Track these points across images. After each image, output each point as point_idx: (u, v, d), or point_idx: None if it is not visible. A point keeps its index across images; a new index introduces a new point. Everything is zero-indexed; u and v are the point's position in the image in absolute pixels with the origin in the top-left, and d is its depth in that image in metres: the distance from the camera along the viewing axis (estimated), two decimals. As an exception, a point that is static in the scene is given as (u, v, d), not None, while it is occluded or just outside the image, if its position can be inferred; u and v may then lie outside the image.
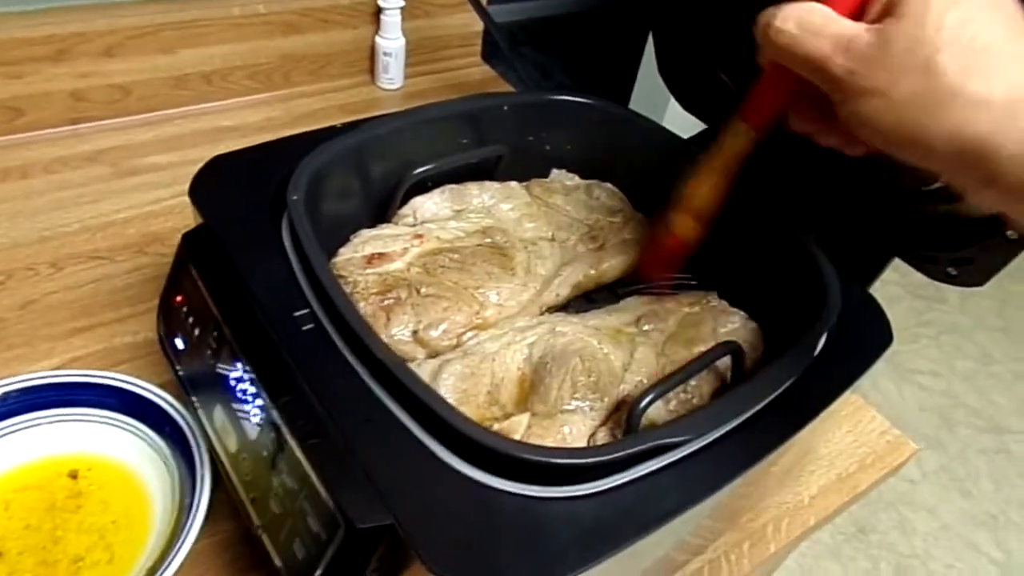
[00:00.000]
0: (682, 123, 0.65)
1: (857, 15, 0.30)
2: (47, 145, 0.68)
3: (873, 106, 0.28)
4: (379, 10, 0.80)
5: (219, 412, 0.40)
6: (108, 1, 0.68)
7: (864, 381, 0.42)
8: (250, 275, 0.40)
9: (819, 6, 0.30)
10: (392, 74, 0.84)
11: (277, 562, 0.35)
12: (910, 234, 0.56)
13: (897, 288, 2.01)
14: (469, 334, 0.46)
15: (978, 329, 1.98)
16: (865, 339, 0.45)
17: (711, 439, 0.37)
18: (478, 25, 0.91)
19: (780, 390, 0.39)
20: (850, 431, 0.56)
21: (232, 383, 0.39)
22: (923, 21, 0.27)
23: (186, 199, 0.66)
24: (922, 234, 0.54)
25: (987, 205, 0.28)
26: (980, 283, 0.52)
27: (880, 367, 0.42)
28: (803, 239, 0.48)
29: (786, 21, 0.30)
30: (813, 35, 0.29)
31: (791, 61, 0.30)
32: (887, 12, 0.28)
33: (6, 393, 0.44)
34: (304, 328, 0.39)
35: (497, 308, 0.48)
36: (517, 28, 2.88)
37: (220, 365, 0.40)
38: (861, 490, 0.53)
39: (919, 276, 0.57)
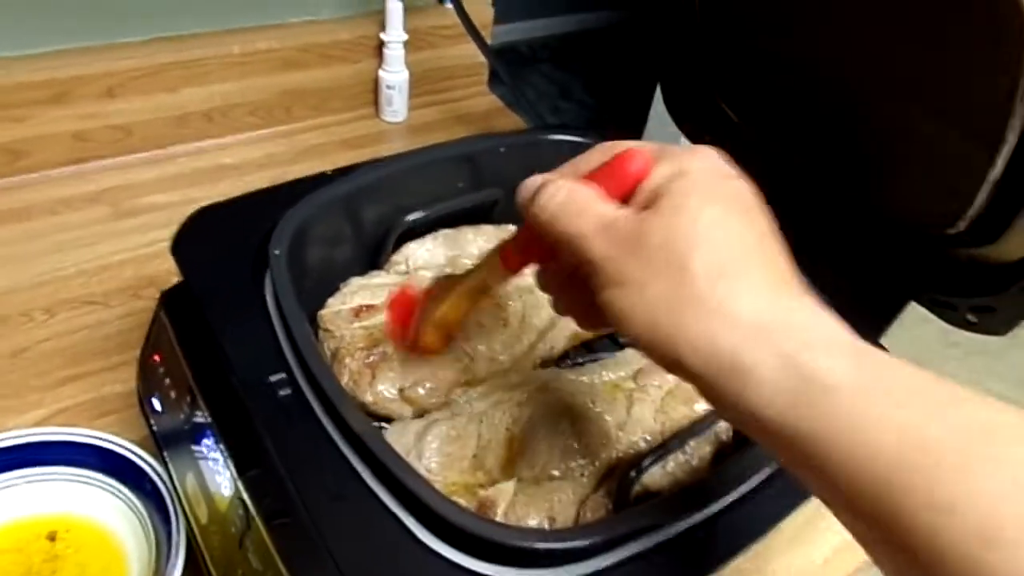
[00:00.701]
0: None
1: (625, 200, 0.28)
2: (50, 186, 0.68)
3: (627, 300, 0.26)
4: (382, 44, 0.79)
5: (191, 479, 0.39)
6: (109, 43, 0.68)
7: None
8: (226, 337, 0.39)
9: (586, 187, 0.29)
10: (396, 107, 0.83)
11: (244, 646, 0.34)
12: (929, 278, 0.53)
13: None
14: (458, 390, 0.45)
15: (1011, 348, 1.91)
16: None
17: (706, 515, 0.35)
18: (483, 55, 0.90)
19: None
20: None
21: (204, 451, 0.37)
22: (677, 218, 0.26)
23: (183, 240, 0.65)
24: (942, 278, 0.52)
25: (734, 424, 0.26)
26: (1002, 332, 0.49)
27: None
28: (812, 282, 0.45)
29: (556, 194, 0.29)
30: (576, 214, 0.28)
31: (551, 235, 0.29)
32: (649, 203, 0.27)
33: (-14, 453, 0.43)
34: (281, 394, 0.37)
35: (488, 361, 0.46)
36: (538, 45, 2.88)
37: (193, 430, 0.38)
38: (877, 550, 0.50)
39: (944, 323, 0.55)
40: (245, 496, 0.34)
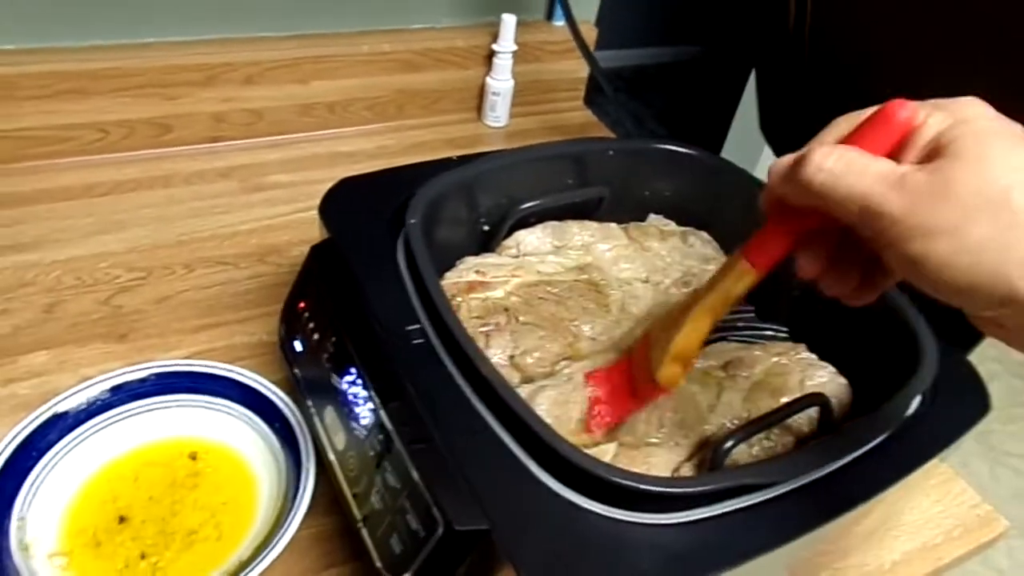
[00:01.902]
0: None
1: (892, 157, 0.29)
2: (188, 159, 0.75)
3: (942, 246, 0.26)
4: (492, 53, 0.85)
5: (330, 412, 0.44)
6: (253, 36, 0.76)
7: (955, 459, 0.40)
8: (368, 288, 0.44)
9: (853, 147, 0.28)
10: (499, 113, 0.89)
11: (374, 554, 0.38)
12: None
13: (995, 365, 1.91)
14: (562, 363, 0.49)
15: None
16: (960, 406, 0.44)
17: (796, 486, 0.38)
18: (583, 71, 0.95)
19: (868, 446, 0.40)
20: (938, 501, 0.55)
21: (345, 386, 0.42)
22: (987, 162, 0.26)
23: (302, 216, 0.72)
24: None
25: None
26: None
27: (973, 446, 0.41)
28: (899, 299, 0.48)
29: (826, 158, 0.28)
30: (858, 173, 0.28)
31: (831, 201, 0.29)
32: (936, 153, 0.27)
33: (147, 376, 0.49)
34: (414, 342, 0.42)
35: (590, 341, 0.50)
36: (613, 75, 2.94)
37: (335, 369, 0.43)
38: (945, 563, 0.52)
39: (1019, 354, 0.56)
40: (387, 423, 0.38)
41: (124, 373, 0.48)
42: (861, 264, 0.30)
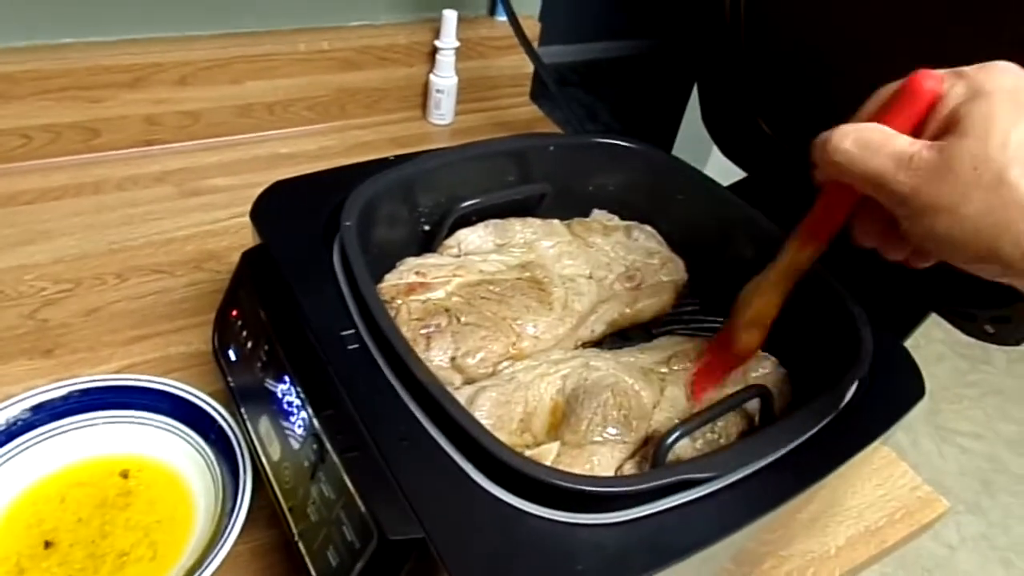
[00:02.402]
0: (723, 170, 0.67)
1: (914, 134, 0.30)
2: (120, 164, 0.73)
3: (942, 223, 0.28)
4: (435, 50, 0.84)
5: (264, 422, 0.42)
6: (185, 34, 0.73)
7: (904, 438, 0.42)
8: (302, 294, 0.43)
9: (876, 124, 0.30)
10: (443, 110, 0.88)
11: (311, 568, 0.37)
12: (948, 288, 0.56)
13: (941, 346, 1.96)
14: (505, 363, 0.48)
15: (1025, 392, 1.92)
16: (897, 391, 0.45)
17: (736, 478, 0.38)
18: (528, 67, 0.94)
19: (808, 435, 0.40)
20: (880, 484, 0.56)
21: (279, 395, 0.41)
22: (988, 138, 0.27)
23: (242, 220, 0.70)
24: (960, 289, 0.55)
25: None
26: (1018, 342, 0.52)
27: (921, 426, 0.42)
28: (836, 287, 0.48)
29: (843, 139, 0.30)
30: (872, 152, 0.29)
31: (851, 179, 0.31)
32: (947, 130, 0.28)
33: (69, 393, 0.47)
34: (349, 347, 0.41)
35: (533, 340, 0.50)
36: (566, 69, 2.94)
37: (269, 378, 0.42)
38: (889, 545, 0.53)
39: (965, 336, 0.57)
40: (320, 432, 0.37)
41: (44, 391, 0.46)
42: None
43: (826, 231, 0.37)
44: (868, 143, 0.30)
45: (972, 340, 0.57)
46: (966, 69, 0.30)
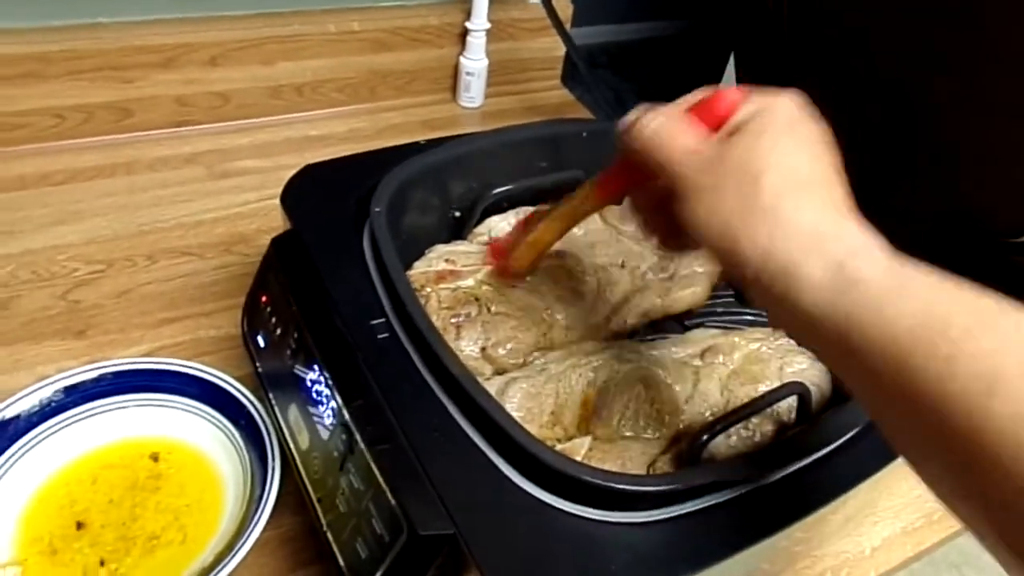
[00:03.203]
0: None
1: (716, 131, 0.33)
2: (151, 145, 0.73)
3: (704, 209, 0.30)
4: (466, 31, 0.83)
5: (293, 410, 0.42)
6: (216, 14, 0.73)
7: None
8: (332, 282, 0.42)
9: (680, 117, 0.33)
10: (473, 93, 0.87)
11: (339, 559, 0.37)
12: (995, 286, 0.54)
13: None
14: (536, 354, 0.47)
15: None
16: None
17: (772, 480, 0.37)
18: (560, 49, 0.93)
19: (846, 437, 0.39)
20: (917, 485, 0.54)
21: (308, 383, 0.40)
22: (757, 141, 0.30)
23: (272, 203, 0.69)
24: (1002, 284, 0.53)
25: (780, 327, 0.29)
26: None
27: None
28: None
29: (649, 123, 0.33)
30: (670, 139, 0.32)
31: (644, 158, 0.33)
32: (732, 132, 0.31)
33: (101, 375, 0.47)
34: (380, 336, 0.40)
35: (564, 330, 0.49)
36: (596, 51, 2.90)
37: (298, 365, 0.42)
38: (926, 547, 0.52)
39: None
40: (350, 423, 0.37)
41: (77, 373, 0.46)
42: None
43: (613, 192, 0.41)
44: (667, 131, 0.33)
45: None
46: (766, 90, 0.33)
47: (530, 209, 0.56)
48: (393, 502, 0.33)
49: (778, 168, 0.30)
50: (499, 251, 0.49)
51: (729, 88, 0.33)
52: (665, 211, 0.35)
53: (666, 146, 0.32)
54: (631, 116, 0.35)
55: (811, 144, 0.31)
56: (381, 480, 0.34)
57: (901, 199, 0.54)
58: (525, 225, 0.47)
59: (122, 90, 0.71)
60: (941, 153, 0.51)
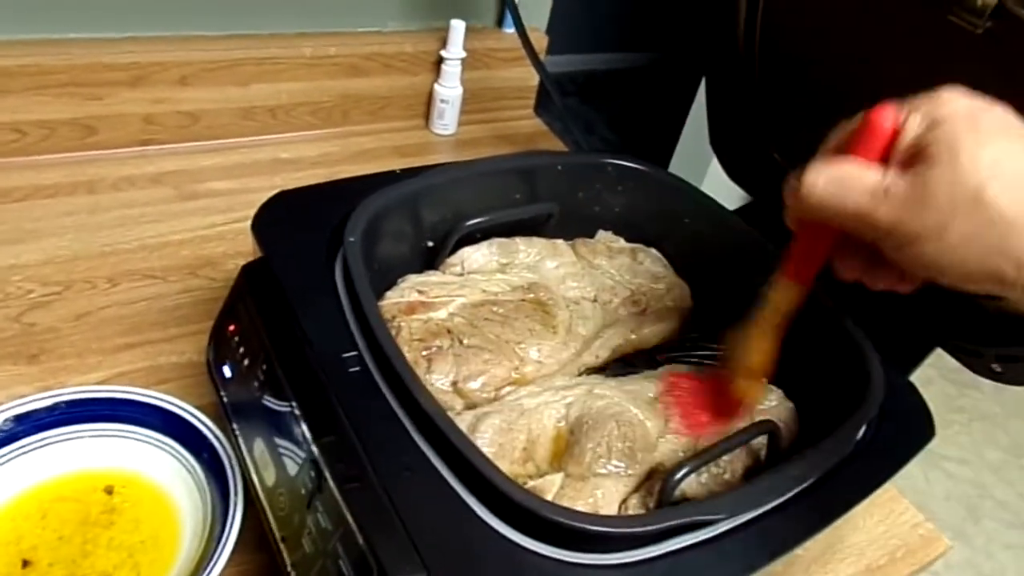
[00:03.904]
0: (720, 187, 0.66)
1: (882, 162, 0.30)
2: (116, 164, 0.71)
3: (929, 250, 0.28)
4: (441, 60, 0.83)
5: (259, 444, 0.41)
6: (189, 34, 0.72)
7: None
8: (303, 312, 0.41)
9: (844, 159, 0.30)
10: (447, 120, 0.87)
11: (304, 601, 0.36)
12: (957, 325, 0.55)
13: (930, 371, 1.96)
14: (507, 388, 0.47)
15: (1012, 419, 1.93)
16: (906, 431, 0.44)
17: (744, 520, 0.37)
18: (533, 79, 0.94)
19: (816, 477, 0.39)
20: (882, 521, 0.55)
21: (276, 417, 0.39)
22: (959, 163, 0.27)
23: (240, 226, 0.69)
24: (969, 326, 0.54)
25: None
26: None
27: (905, 465, 0.42)
28: (847, 323, 0.48)
29: (817, 179, 0.30)
30: (848, 189, 0.29)
31: (831, 217, 0.31)
32: (916, 159, 0.29)
33: (55, 403, 0.45)
34: (351, 370, 0.39)
35: (537, 365, 0.49)
36: (565, 80, 2.94)
37: (266, 398, 0.41)
38: (890, 584, 0.52)
39: (953, 361, 0.57)
40: (319, 460, 0.36)
41: (29, 401, 0.44)
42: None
43: (808, 272, 0.37)
44: (842, 180, 0.30)
45: (960, 365, 0.56)
46: (917, 100, 0.30)
47: (504, 240, 0.56)
48: (363, 543, 0.32)
49: (996, 177, 0.27)
50: (690, 410, 0.45)
51: (878, 110, 0.30)
52: (861, 254, 0.33)
53: (850, 197, 0.29)
54: (791, 183, 0.32)
55: (1011, 135, 0.28)
56: (351, 520, 0.33)
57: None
58: (717, 376, 0.43)
59: (87, 107, 0.69)
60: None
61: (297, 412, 0.38)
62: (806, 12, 0.53)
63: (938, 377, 1.97)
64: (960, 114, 0.29)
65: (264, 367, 0.41)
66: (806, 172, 0.31)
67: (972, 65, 0.41)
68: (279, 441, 0.39)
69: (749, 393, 0.43)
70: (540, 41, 0.90)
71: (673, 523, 0.34)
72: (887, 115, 0.30)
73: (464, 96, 0.86)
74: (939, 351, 0.58)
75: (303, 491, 0.37)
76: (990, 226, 0.27)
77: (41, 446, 0.44)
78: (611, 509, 0.40)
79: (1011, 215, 0.27)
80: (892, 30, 0.47)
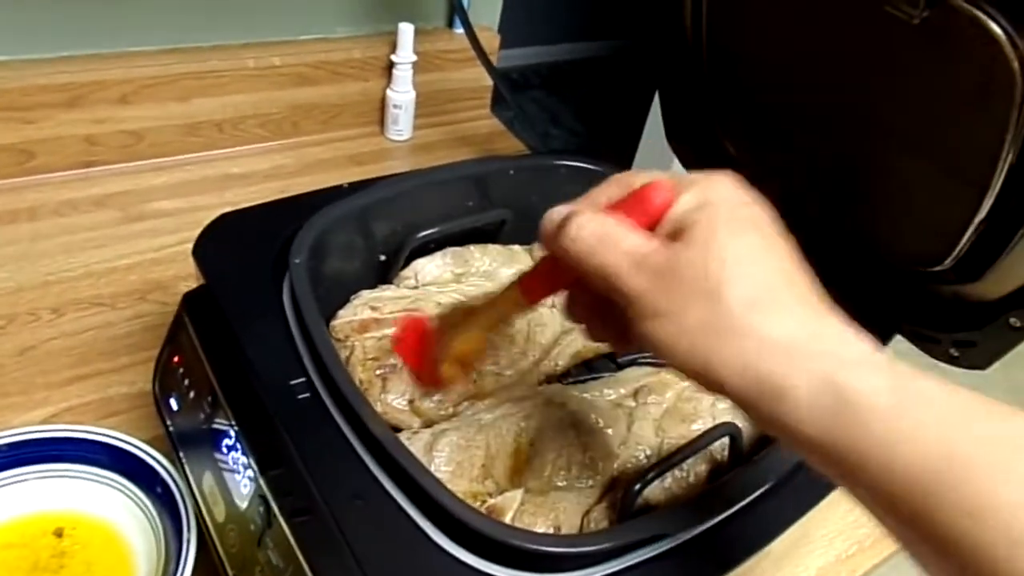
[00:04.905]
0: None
1: (649, 229, 0.30)
2: (57, 188, 0.69)
3: (666, 330, 0.27)
4: (391, 64, 0.81)
5: (208, 479, 0.40)
6: (127, 51, 0.70)
7: None
8: (248, 341, 0.40)
9: (614, 218, 0.30)
10: (401, 126, 0.85)
11: (259, 642, 0.35)
12: (913, 312, 0.55)
13: (902, 344, 2.00)
14: (466, 403, 0.46)
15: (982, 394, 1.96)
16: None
17: (703, 529, 0.36)
18: (488, 79, 0.93)
19: (776, 480, 0.39)
20: (850, 511, 0.55)
21: (224, 450, 0.38)
22: (708, 251, 0.27)
23: (190, 246, 0.67)
24: (926, 313, 0.54)
25: (777, 436, 0.27)
26: (983, 367, 0.52)
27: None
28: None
29: (582, 228, 0.29)
30: (609, 247, 0.29)
31: (583, 268, 0.30)
32: (676, 233, 0.28)
33: (-3, 447, 0.44)
34: (300, 397, 0.38)
35: (495, 377, 0.48)
36: (529, 72, 2.93)
37: (213, 430, 0.39)
38: (860, 574, 0.52)
39: (922, 354, 0.57)
40: (267, 494, 0.35)
41: (-32, 447, 0.43)
42: (622, 320, 0.30)
43: (538, 295, 0.37)
44: (606, 237, 0.29)
45: (931, 360, 0.57)
46: (696, 176, 0.30)
47: (458, 249, 0.55)
48: (313, 581, 0.32)
49: (738, 278, 0.27)
50: (409, 352, 0.43)
51: (655, 181, 0.30)
52: (610, 314, 0.32)
53: (610, 256, 0.29)
54: (555, 217, 0.31)
55: (764, 235, 0.28)
56: (300, 556, 0.32)
57: (817, 221, 0.55)
58: (442, 328, 0.42)
59: (23, 131, 0.67)
60: (860, 187, 0.52)
61: (244, 444, 0.37)
62: (747, 5, 0.53)
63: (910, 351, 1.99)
64: (726, 200, 0.29)
65: (209, 399, 0.40)
66: (572, 215, 0.30)
67: (909, 55, 0.41)
68: (227, 475, 0.38)
69: (451, 377, 0.42)
70: (492, 40, 0.89)
71: (628, 540, 0.34)
72: (660, 192, 0.30)
73: (417, 100, 0.84)
74: (902, 345, 0.58)
75: (252, 527, 0.36)
76: (718, 326, 0.26)
77: (-17, 492, 0.43)
78: (574, 523, 0.39)
79: (738, 321, 0.26)
80: (830, 21, 0.47)
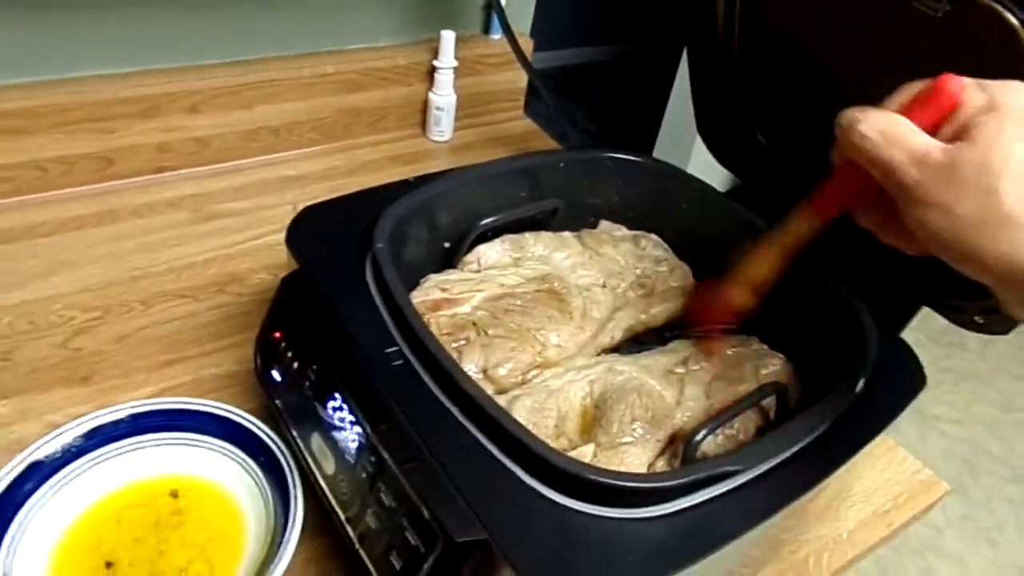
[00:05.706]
0: (704, 171, 0.70)
1: (933, 131, 0.33)
2: (135, 192, 0.74)
3: (936, 218, 0.31)
4: (433, 69, 0.86)
5: (316, 438, 0.44)
6: (196, 64, 0.75)
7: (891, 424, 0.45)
8: (345, 316, 0.45)
9: (902, 118, 0.33)
10: (443, 127, 0.90)
11: (374, 573, 0.39)
12: (941, 283, 0.59)
13: (916, 333, 2.00)
14: (533, 372, 0.51)
15: (999, 376, 1.99)
16: (900, 382, 0.48)
17: (764, 470, 0.41)
18: (521, 81, 0.97)
19: (824, 428, 0.43)
20: (884, 469, 0.60)
21: (331, 413, 0.43)
22: (991, 149, 0.30)
23: (259, 242, 0.72)
24: (952, 284, 0.58)
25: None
26: (1006, 332, 0.56)
27: (902, 412, 0.46)
28: (840, 286, 0.52)
29: (872, 127, 0.33)
30: (893, 144, 0.32)
31: (868, 163, 0.33)
32: (960, 135, 0.31)
33: (118, 419, 0.49)
34: (394, 364, 0.43)
35: (557, 348, 0.52)
36: (544, 77, 2.97)
37: (319, 397, 0.44)
38: (895, 527, 0.56)
39: (938, 322, 0.61)
40: (378, 446, 0.39)
41: (98, 416, 0.48)
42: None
43: (832, 208, 0.40)
44: (891, 135, 0.33)
45: (947, 325, 0.61)
46: (989, 82, 0.33)
47: (515, 236, 0.60)
48: (427, 515, 0.36)
49: (1018, 176, 0.29)
50: (705, 303, 0.48)
51: (948, 78, 0.32)
52: (881, 207, 0.35)
53: (890, 150, 0.32)
54: (851, 113, 0.34)
55: None
56: (413, 496, 0.37)
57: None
58: (727, 278, 0.45)
59: (103, 140, 0.72)
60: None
61: (352, 406, 0.42)
62: (780, 4, 0.57)
63: (926, 339, 2.02)
64: (1015, 106, 0.31)
65: (314, 368, 0.45)
66: (864, 115, 0.33)
67: (933, 48, 0.45)
68: (335, 434, 0.43)
69: (745, 304, 0.45)
70: (526, 44, 0.93)
71: (700, 476, 0.38)
72: (954, 83, 0.32)
73: (457, 103, 0.89)
74: (924, 314, 0.62)
75: (364, 475, 0.40)
76: (993, 214, 0.29)
77: (110, 457, 0.48)
78: (642, 472, 0.44)
79: (1012, 211, 0.29)
80: (859, 17, 0.51)
